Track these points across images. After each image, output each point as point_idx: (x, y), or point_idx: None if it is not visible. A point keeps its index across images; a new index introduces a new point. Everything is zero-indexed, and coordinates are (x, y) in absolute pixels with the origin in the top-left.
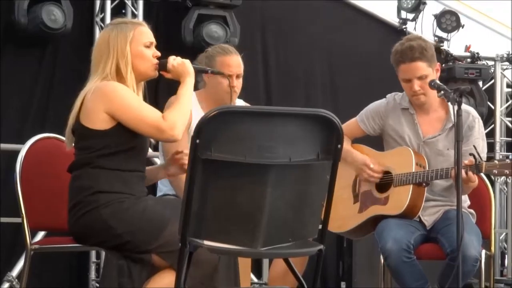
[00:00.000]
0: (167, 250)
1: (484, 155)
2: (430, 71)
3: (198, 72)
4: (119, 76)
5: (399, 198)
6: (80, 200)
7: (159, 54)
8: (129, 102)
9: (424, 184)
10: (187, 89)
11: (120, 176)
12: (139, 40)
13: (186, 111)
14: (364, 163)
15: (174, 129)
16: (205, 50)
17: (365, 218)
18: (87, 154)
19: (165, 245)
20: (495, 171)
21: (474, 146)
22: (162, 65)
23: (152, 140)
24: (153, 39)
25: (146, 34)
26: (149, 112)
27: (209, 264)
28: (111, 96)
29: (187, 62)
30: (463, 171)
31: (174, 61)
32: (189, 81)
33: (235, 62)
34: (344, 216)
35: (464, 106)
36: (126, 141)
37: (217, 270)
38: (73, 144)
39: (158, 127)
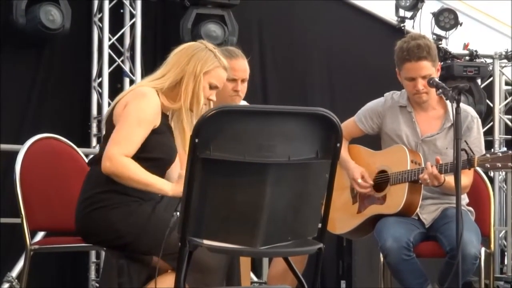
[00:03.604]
0: (171, 253)
1: (480, 156)
2: (434, 70)
3: None
4: (168, 93)
5: (396, 197)
6: (92, 195)
7: (214, 99)
8: (132, 113)
9: (420, 181)
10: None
11: None
12: (211, 77)
13: (139, 183)
14: (353, 178)
15: (112, 169)
16: None
17: (364, 218)
18: None
19: (169, 249)
20: (488, 165)
21: (466, 141)
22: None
23: None
24: (221, 86)
25: (220, 77)
26: (125, 138)
27: (213, 265)
28: (134, 99)
29: None
30: (434, 168)
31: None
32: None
33: (241, 67)
34: (344, 217)
35: (463, 106)
36: (151, 150)
37: (220, 271)
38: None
39: (110, 154)
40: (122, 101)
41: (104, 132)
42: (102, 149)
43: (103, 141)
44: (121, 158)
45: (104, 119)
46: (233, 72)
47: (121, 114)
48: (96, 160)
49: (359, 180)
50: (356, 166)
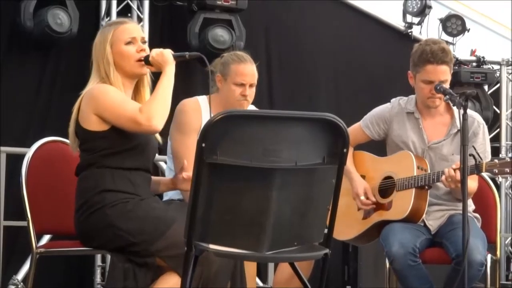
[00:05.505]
0: (170, 254)
1: (488, 161)
2: (449, 77)
3: (178, 58)
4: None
5: (402, 203)
6: (86, 200)
7: (144, 48)
8: (111, 100)
9: (426, 187)
10: (166, 79)
11: (124, 175)
12: (119, 39)
13: (165, 101)
14: (356, 193)
15: (151, 120)
16: (221, 56)
17: (370, 225)
18: (92, 155)
19: (168, 248)
20: (496, 170)
21: (473, 147)
22: (146, 60)
23: (160, 141)
24: (136, 34)
25: (127, 30)
26: (128, 106)
27: (213, 266)
28: (96, 98)
29: (165, 51)
30: (451, 170)
31: (153, 52)
32: (168, 70)
33: (249, 71)
34: (349, 223)
35: (469, 112)
36: (127, 140)
37: (220, 272)
38: (78, 147)
39: (134, 119)
40: (84, 106)
41: (80, 143)
42: (82, 158)
43: (83, 151)
44: (146, 114)
45: (71, 135)
46: (242, 77)
47: (101, 108)
48: (82, 168)
49: (362, 198)
50: (360, 180)
